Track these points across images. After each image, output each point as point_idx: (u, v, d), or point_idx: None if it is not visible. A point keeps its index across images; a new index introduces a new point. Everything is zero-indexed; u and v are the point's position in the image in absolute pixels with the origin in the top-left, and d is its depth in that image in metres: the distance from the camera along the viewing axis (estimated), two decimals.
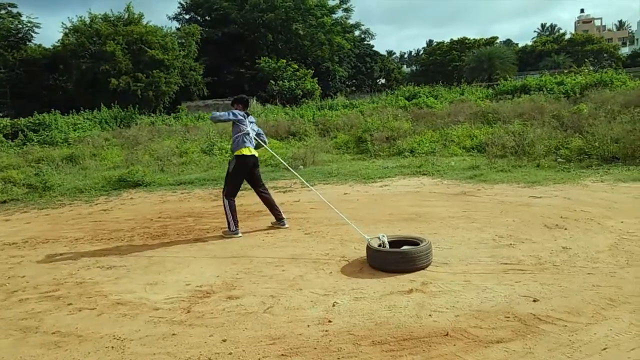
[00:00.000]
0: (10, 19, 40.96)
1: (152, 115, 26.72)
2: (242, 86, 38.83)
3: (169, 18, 46.98)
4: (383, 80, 55.70)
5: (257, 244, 5.49)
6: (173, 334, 3.36)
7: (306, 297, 3.86)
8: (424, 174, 9.39)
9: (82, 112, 24.14)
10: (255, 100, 32.40)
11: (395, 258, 4.27)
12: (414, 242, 4.49)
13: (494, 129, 12.88)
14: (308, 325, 3.34)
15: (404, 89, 26.67)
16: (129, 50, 30.68)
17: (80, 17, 32.29)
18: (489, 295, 3.63)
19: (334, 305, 3.63)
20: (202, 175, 10.85)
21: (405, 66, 73.99)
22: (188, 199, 8.72)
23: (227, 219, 5.97)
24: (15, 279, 4.80)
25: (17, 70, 33.92)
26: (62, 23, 47.46)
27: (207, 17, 44.01)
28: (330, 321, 3.37)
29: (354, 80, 52.67)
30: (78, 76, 31.14)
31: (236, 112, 6.04)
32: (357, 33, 49.89)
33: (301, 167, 11.22)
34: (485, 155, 10.62)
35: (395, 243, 4.54)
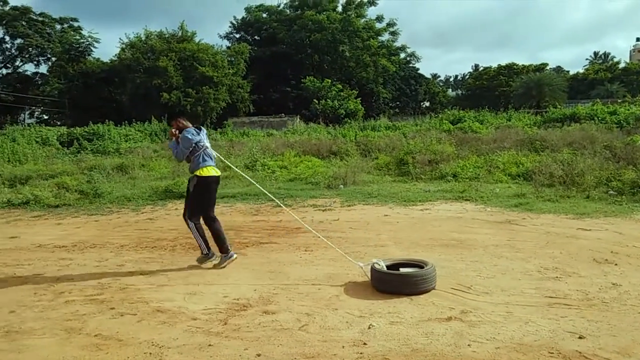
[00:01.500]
0: (72, 32, 43.51)
1: None
2: (287, 104, 39.51)
3: (221, 37, 48.81)
4: (427, 103, 55.41)
5: (295, 261, 5.51)
6: (209, 345, 3.40)
7: (341, 317, 3.83)
8: (466, 200, 9.20)
9: (133, 124, 25.16)
10: (298, 119, 32.87)
11: (397, 280, 4.32)
12: (419, 265, 4.53)
13: (542, 157, 12.51)
14: (343, 346, 3.31)
15: (449, 112, 26.40)
16: (180, 67, 31.87)
17: (137, 33, 33.92)
18: (532, 329, 3.50)
19: (369, 328, 3.59)
20: (244, 190, 11.02)
21: (450, 90, 73.39)
22: (230, 213, 8.87)
23: (198, 243, 5.37)
24: (63, 281, 5.00)
25: (76, 82, 35.81)
26: (120, 39, 49.87)
27: (256, 37, 45.26)
28: (365, 344, 3.33)
29: (397, 102, 52.66)
30: (132, 89, 32.54)
31: (188, 135, 5.22)
32: (402, 56, 50.03)
33: (341, 186, 11.24)
34: (532, 184, 10.32)
35: (401, 266, 4.59)
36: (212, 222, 5.38)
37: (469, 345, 3.27)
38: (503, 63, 54.11)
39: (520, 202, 8.68)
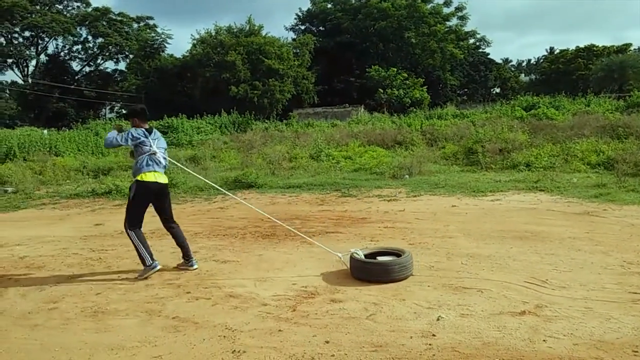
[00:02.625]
0: (148, 30, 45.81)
1: (266, 121, 28.13)
2: (351, 94, 39.40)
3: (286, 29, 49.41)
4: (497, 90, 53.11)
5: None
6: (279, 330, 3.50)
7: (409, 308, 3.80)
8: (541, 190, 8.78)
9: (204, 117, 26.16)
10: (362, 109, 32.69)
11: (375, 268, 4.47)
12: (396, 253, 4.68)
13: (625, 145, 11.67)
14: (411, 337, 3.29)
15: (522, 98, 25.21)
16: (248, 60, 32.65)
17: (207, 29, 35.10)
18: (614, 326, 3.30)
19: (438, 320, 3.54)
20: (309, 180, 11.17)
21: (522, 75, 69.82)
22: (296, 202, 9.02)
23: (139, 253, 4.90)
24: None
25: (151, 77, 37.70)
26: (191, 35, 52.04)
27: (321, 28, 45.39)
28: (434, 335, 3.29)
29: (465, 90, 50.91)
30: (202, 83, 33.80)
31: (134, 132, 4.90)
32: (471, 41, 48.18)
33: (406, 176, 11.09)
34: (614, 173, 9.65)
35: (379, 254, 4.77)
36: (171, 228, 5.17)
37: (544, 340, 3.14)
38: (581, 45, 50.71)
39: (600, 192, 8.16)
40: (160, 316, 3.91)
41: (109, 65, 51.11)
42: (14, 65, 46.32)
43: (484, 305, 3.77)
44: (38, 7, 45.13)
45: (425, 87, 35.33)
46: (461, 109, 28.68)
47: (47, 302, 4.32)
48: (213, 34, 34.46)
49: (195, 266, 5.11)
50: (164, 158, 5.09)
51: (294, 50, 36.26)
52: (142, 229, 5.02)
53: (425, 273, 4.61)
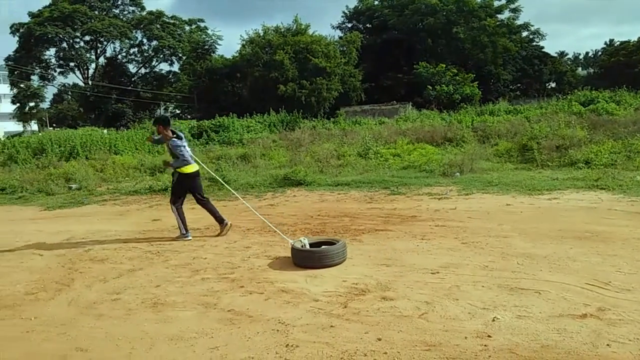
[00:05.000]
0: (199, 32, 47.14)
1: (314, 119, 28.27)
2: (399, 91, 38.94)
3: (333, 27, 49.25)
4: (553, 84, 50.93)
5: (412, 249, 5.47)
6: (331, 326, 3.54)
7: (463, 308, 3.74)
8: (601, 189, 8.38)
9: (254, 115, 26.62)
10: (410, 106, 32.25)
11: (312, 256, 4.98)
12: (332, 242, 5.18)
13: None
14: (465, 337, 3.24)
15: (579, 93, 24.08)
16: (295, 59, 32.93)
17: (255, 29, 35.68)
18: None
19: (493, 320, 3.46)
20: (358, 178, 11.14)
21: (580, 68, 66.65)
22: (345, 200, 9.04)
23: (178, 223, 6.57)
24: (199, 260, 5.51)
25: (202, 78, 38.79)
26: (240, 36, 53.02)
27: (368, 25, 45.10)
28: (489, 336, 3.22)
29: (518, 84, 49.18)
30: (251, 83, 34.40)
31: (178, 143, 6.48)
32: (524, 34, 46.46)
33: (457, 174, 10.86)
34: None
35: (317, 244, 5.25)
36: (204, 204, 6.71)
37: (608, 345, 3.02)
38: None
39: None
40: (216, 309, 4.04)
41: (164, 67, 53.11)
42: (76, 69, 48.86)
43: (542, 307, 3.65)
44: (97, 13, 47.39)
45: (476, 82, 34.37)
46: (514, 105, 27.74)
47: (110, 293, 4.55)
48: (261, 34, 34.98)
49: (228, 223, 6.66)
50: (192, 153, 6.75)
51: (341, 48, 36.21)
52: (182, 206, 6.64)
53: (480, 273, 4.51)
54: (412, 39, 41.79)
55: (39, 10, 45.61)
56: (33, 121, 52.41)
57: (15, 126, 53.89)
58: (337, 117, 29.30)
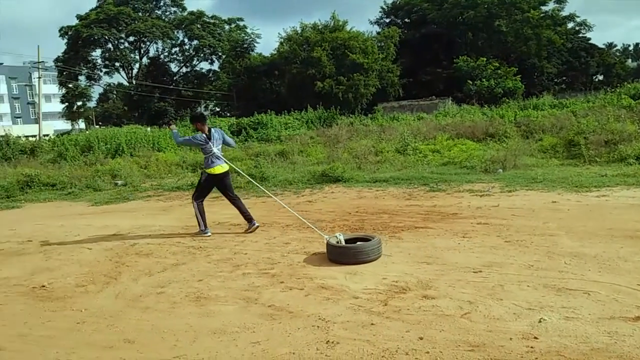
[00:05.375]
0: (238, 31, 47.82)
1: (351, 116, 28.18)
2: (438, 86, 38.29)
3: (371, 23, 48.86)
4: (601, 77, 48.83)
5: (453, 247, 5.37)
6: (372, 324, 3.52)
7: (507, 308, 3.64)
8: None
9: (292, 112, 26.79)
10: (450, 101, 31.66)
11: (347, 252, 5.00)
12: (367, 239, 5.17)
13: None
14: (510, 338, 3.15)
15: (629, 86, 22.99)
16: (333, 55, 32.89)
17: (293, 27, 35.85)
18: None
19: (540, 322, 3.36)
20: (396, 174, 11.04)
21: (630, 60, 63.58)
22: (383, 197, 8.97)
23: (197, 220, 6.70)
24: (240, 256, 5.59)
25: (241, 76, 39.32)
26: (279, 33, 53.33)
27: (406, 20, 44.52)
28: (536, 338, 3.13)
29: (564, 78, 47.42)
30: (289, 80, 34.62)
31: (198, 136, 6.61)
32: (570, 25, 44.70)
33: (500, 170, 10.59)
34: None
35: (353, 240, 5.25)
36: (234, 202, 6.83)
37: None
38: None
39: None
40: (257, 304, 4.09)
41: (204, 66, 54.08)
42: (121, 69, 50.51)
43: (591, 309, 3.51)
44: (140, 14, 48.77)
45: (519, 76, 33.38)
46: (559, 99, 26.80)
47: (155, 287, 4.69)
48: (299, 31, 35.12)
49: (256, 224, 6.73)
50: (221, 153, 6.78)
51: (379, 44, 35.90)
52: (203, 202, 6.82)
53: (525, 272, 4.39)
54: (451, 33, 40.98)
55: (86, 13, 47.38)
56: (80, 120, 54.62)
57: (64, 125, 56.34)
58: (374, 113, 29.09)
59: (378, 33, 39.37)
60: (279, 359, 3.13)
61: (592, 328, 3.22)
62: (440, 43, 40.81)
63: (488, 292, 3.99)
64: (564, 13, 42.35)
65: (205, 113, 46.05)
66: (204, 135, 6.63)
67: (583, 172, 9.82)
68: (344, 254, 5.03)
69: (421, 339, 3.24)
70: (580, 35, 46.90)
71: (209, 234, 6.67)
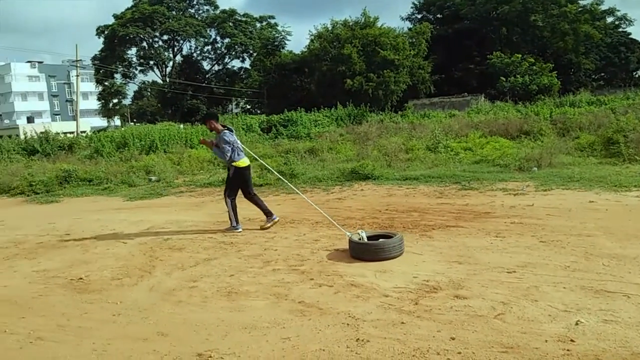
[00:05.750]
0: (269, 29, 48.15)
1: (381, 113, 28.03)
2: (470, 83, 37.64)
3: (402, 19, 48.40)
4: None
5: (486, 247, 5.27)
6: (402, 323, 3.49)
7: (543, 309, 3.56)
8: None
9: (321, 110, 26.83)
10: (483, 98, 31.09)
11: (369, 248, 5.03)
12: (389, 236, 5.22)
13: None
14: (546, 341, 3.08)
15: None
16: (363, 52, 32.73)
17: (324, 24, 35.84)
18: None
19: (577, 324, 3.26)
20: (427, 172, 10.91)
21: None
22: (413, 194, 8.88)
23: (230, 216, 6.73)
24: (270, 252, 5.64)
25: (272, 74, 39.59)
26: (309, 31, 53.44)
27: (438, 15, 43.95)
28: (572, 340, 3.04)
29: (602, 74, 45.86)
30: (319, 77, 34.65)
31: (227, 137, 6.54)
32: (609, 20, 43.19)
33: (535, 168, 10.33)
34: None
35: (375, 237, 5.28)
36: (251, 198, 6.86)
37: None
38: None
39: None
40: (287, 300, 4.12)
41: (235, 64, 54.96)
42: (155, 67, 51.64)
43: (631, 312, 3.39)
44: (174, 13, 49.70)
45: (555, 72, 32.47)
46: (597, 95, 25.99)
47: (188, 281, 4.77)
48: (330, 28, 35.08)
49: (276, 218, 6.81)
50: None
51: (410, 40, 35.52)
52: (236, 199, 6.79)
53: (561, 273, 4.27)
54: (485, 29, 40.22)
55: (122, 12, 48.58)
56: (116, 117, 56.12)
57: (100, 121, 57.98)
58: (405, 110, 28.86)
59: (409, 29, 38.97)
60: (309, 355, 3.14)
61: (632, 332, 3.11)
62: (473, 39, 40.10)
63: (522, 293, 3.90)
64: (603, 7, 40.99)
65: (237, 111, 46.73)
66: (226, 130, 6.68)
67: (622, 171, 9.48)
68: (366, 251, 5.05)
69: (453, 339, 3.19)
70: (620, 29, 45.29)
71: (240, 230, 6.71)
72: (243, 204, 7.09)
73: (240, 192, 6.88)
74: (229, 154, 6.57)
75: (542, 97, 27.89)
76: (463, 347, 3.07)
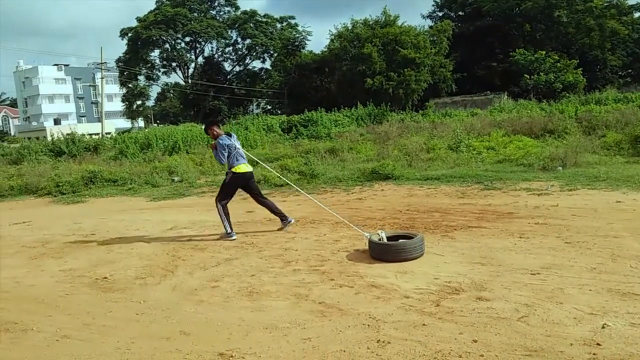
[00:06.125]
0: (290, 29, 48.32)
1: (402, 112, 27.84)
2: (493, 81, 37.08)
3: (423, 17, 47.91)
4: None
5: (509, 248, 5.19)
6: (423, 324, 3.47)
7: (568, 312, 3.49)
8: None
9: (341, 109, 26.78)
10: (505, 96, 30.61)
11: (390, 249, 5.01)
12: (409, 237, 5.20)
13: None
14: (571, 344, 3.02)
15: None
16: (383, 51, 32.54)
17: (344, 24, 35.77)
18: None
19: (603, 328, 3.19)
20: (448, 172, 10.80)
21: None
22: (435, 194, 8.81)
23: (222, 222, 6.49)
24: (290, 252, 5.65)
25: (292, 74, 39.70)
26: (329, 30, 53.45)
27: (460, 13, 43.40)
28: (599, 344, 2.98)
29: (629, 70, 44.61)
30: (339, 77, 34.57)
31: (224, 142, 6.40)
32: (637, 15, 42.00)
33: (559, 168, 10.13)
34: None
35: (395, 238, 5.28)
36: (262, 201, 6.76)
37: None
38: None
39: None
40: (307, 300, 4.13)
41: (256, 64, 55.25)
42: (177, 68, 52.31)
43: None
44: (196, 15, 50.28)
45: (580, 69, 31.74)
46: (624, 92, 25.31)
47: (210, 281, 4.82)
48: (350, 27, 34.98)
49: (292, 221, 6.70)
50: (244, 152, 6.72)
51: (431, 38, 35.16)
52: (228, 205, 6.60)
53: (586, 275, 4.18)
54: (508, 25, 39.58)
55: (145, 14, 49.37)
56: (140, 118, 57.01)
57: (124, 123, 58.97)
58: (426, 109, 28.60)
59: (430, 27, 38.58)
60: (329, 356, 3.14)
61: None
62: (495, 36, 39.50)
63: (547, 295, 3.83)
64: (631, 2, 39.88)
65: (257, 111, 47.04)
66: (223, 135, 6.57)
67: None
68: (386, 252, 5.04)
69: (475, 341, 3.15)
70: None
71: (234, 237, 6.43)
72: (252, 205, 7.10)
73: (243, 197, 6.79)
74: (224, 158, 6.44)
75: (567, 94, 27.31)
76: (486, 350, 3.03)
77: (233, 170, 6.47)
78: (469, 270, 4.55)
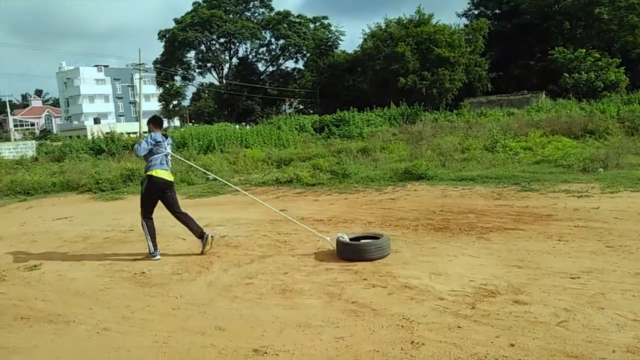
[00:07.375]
0: (323, 29, 48.44)
1: (435, 112, 27.50)
2: (530, 80, 36.18)
3: (458, 15, 47.20)
4: None
5: (548, 251, 5.06)
6: (458, 327, 3.42)
7: (610, 318, 3.37)
8: None
9: (374, 109, 26.68)
10: (543, 95, 29.83)
11: (355, 249, 5.20)
12: (375, 237, 5.37)
13: None
14: (613, 351, 2.92)
15: None
16: (417, 50, 32.24)
17: (377, 23, 35.62)
18: None
19: None
20: (484, 173, 10.60)
21: None
22: (469, 195, 8.66)
23: (146, 240, 5.88)
24: (323, 250, 5.66)
25: (325, 74, 39.80)
26: (362, 30, 53.25)
27: (496, 11, 42.51)
28: None
29: None
30: (372, 76, 34.48)
31: (154, 136, 5.82)
32: None
33: (600, 169, 9.80)
34: None
35: (363, 238, 5.44)
36: (180, 217, 6.00)
37: None
38: None
39: None
40: (340, 299, 4.13)
41: (289, 65, 55.64)
42: (212, 69, 53.23)
43: None
44: (231, 16, 51.02)
45: (622, 68, 30.60)
46: None
47: (244, 278, 4.89)
48: (383, 27, 34.81)
49: (208, 236, 5.86)
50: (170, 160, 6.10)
51: (466, 37, 34.61)
52: (152, 219, 5.97)
53: (629, 280, 4.03)
54: (546, 23, 38.49)
55: (182, 16, 50.41)
56: (176, 117, 58.29)
57: None
58: (460, 109, 28.16)
59: (466, 25, 37.96)
60: (362, 355, 3.14)
61: None
62: (533, 34, 38.49)
63: (587, 299, 3.72)
64: None
65: (290, 111, 47.35)
66: (157, 132, 5.94)
67: None
68: (351, 252, 5.22)
69: (512, 345, 3.09)
70: None
71: (159, 257, 5.80)
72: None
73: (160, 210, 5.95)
74: (143, 151, 5.74)
75: (609, 94, 26.39)
76: (523, 355, 2.96)
77: (149, 173, 5.80)
78: (505, 273, 4.46)
